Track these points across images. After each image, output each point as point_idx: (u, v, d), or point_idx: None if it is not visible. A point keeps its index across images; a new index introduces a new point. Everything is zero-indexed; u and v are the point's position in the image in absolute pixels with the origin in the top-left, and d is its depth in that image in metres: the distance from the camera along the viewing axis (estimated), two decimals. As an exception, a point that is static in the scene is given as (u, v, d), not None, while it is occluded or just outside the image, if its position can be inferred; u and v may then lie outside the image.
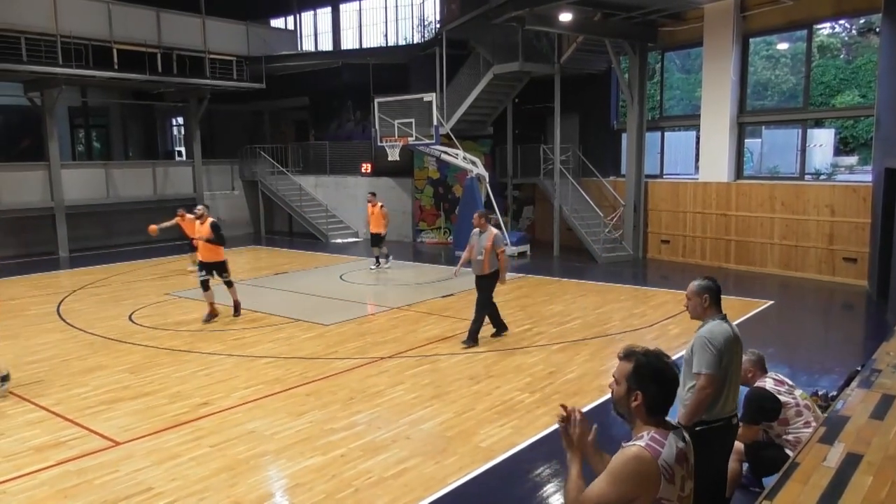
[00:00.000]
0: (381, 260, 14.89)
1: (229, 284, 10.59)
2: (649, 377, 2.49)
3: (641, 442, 2.41)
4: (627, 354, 2.58)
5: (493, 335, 9.10)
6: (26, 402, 6.99)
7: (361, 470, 5.31)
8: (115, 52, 17.80)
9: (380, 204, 14.58)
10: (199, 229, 10.40)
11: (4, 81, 17.66)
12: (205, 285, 10.34)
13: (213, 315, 10.36)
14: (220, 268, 10.49)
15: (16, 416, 6.59)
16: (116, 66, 17.88)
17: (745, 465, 4.75)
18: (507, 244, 16.34)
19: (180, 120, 26.43)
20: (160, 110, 25.48)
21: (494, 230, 8.84)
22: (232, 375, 7.75)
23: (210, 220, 10.34)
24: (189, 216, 12.83)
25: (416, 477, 5.19)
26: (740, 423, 4.53)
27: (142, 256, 17.36)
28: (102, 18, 17.66)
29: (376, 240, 14.68)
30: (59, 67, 16.63)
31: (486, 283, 8.87)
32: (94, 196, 18.95)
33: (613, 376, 2.61)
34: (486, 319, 9.02)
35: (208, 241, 10.20)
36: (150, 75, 18.63)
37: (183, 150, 26.34)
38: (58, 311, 11.33)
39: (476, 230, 8.87)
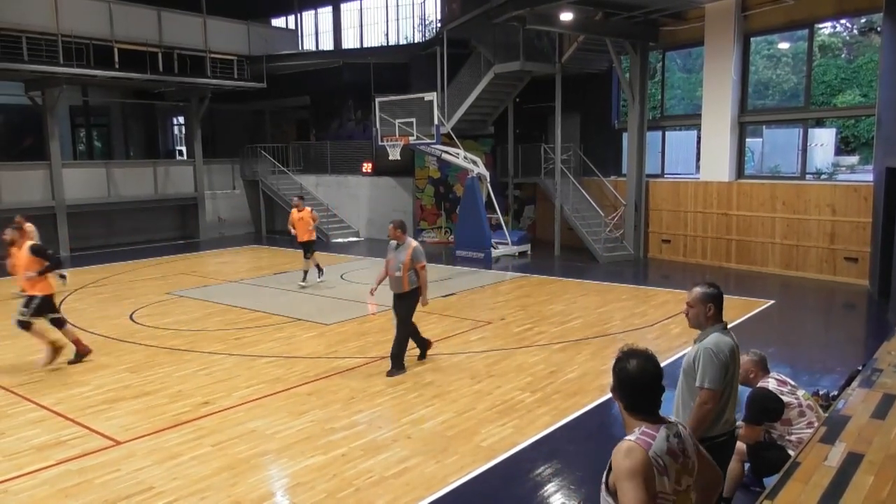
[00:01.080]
0: (319, 268, 13.28)
1: (59, 324, 8.20)
2: (621, 375, 2.56)
3: (632, 437, 2.47)
4: (620, 351, 2.67)
5: (419, 357, 8.10)
6: (27, 401, 6.99)
7: (362, 469, 5.32)
8: (116, 51, 17.82)
9: (308, 208, 13.44)
10: (17, 256, 8.05)
11: (6, 81, 17.68)
12: (24, 326, 7.99)
13: (55, 352, 8.07)
14: (46, 305, 8.06)
15: (17, 416, 6.59)
16: (117, 66, 17.91)
17: (747, 465, 4.75)
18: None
19: (181, 119, 26.44)
20: (161, 109, 25.51)
21: (414, 242, 7.77)
22: (233, 375, 7.75)
23: (29, 243, 8.06)
24: (28, 226, 10.11)
25: (417, 476, 5.19)
26: (743, 424, 4.53)
27: (143, 256, 17.37)
28: (103, 18, 17.68)
29: (308, 247, 12.99)
30: (61, 67, 16.65)
31: (405, 303, 7.71)
32: (95, 195, 18.96)
33: None
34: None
35: (30, 272, 7.81)
36: (151, 75, 18.65)
37: (184, 149, 26.35)
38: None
39: (392, 243, 7.78)
